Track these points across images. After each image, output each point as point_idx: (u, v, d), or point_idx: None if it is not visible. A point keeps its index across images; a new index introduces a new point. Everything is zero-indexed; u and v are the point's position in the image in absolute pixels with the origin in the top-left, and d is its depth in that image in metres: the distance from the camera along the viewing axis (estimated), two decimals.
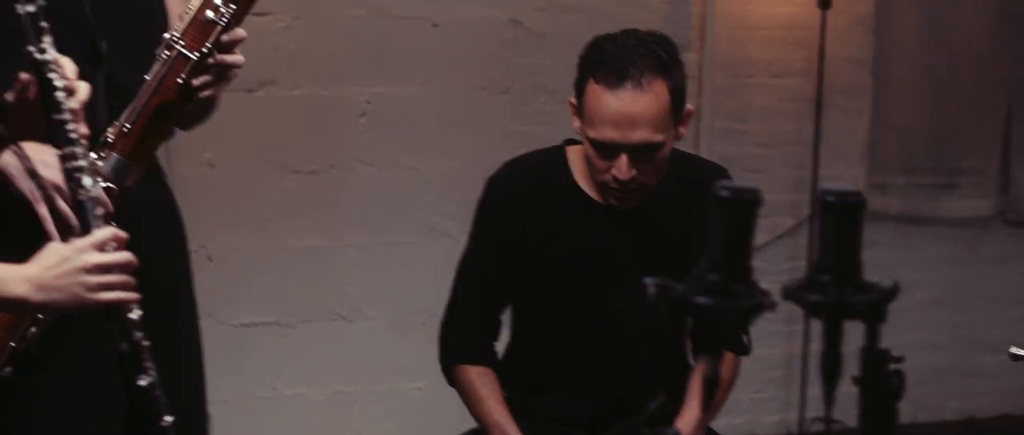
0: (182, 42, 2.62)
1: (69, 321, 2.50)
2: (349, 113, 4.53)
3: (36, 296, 2.18)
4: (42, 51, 2.27)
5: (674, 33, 3.15)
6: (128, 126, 2.57)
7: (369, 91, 4.55)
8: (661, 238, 3.04)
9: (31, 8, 2.26)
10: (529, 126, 4.64)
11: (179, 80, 2.61)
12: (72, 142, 2.29)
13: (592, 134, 2.91)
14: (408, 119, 4.58)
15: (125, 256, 2.25)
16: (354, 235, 4.57)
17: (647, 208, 3.02)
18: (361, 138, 4.55)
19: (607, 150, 2.92)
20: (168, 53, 2.62)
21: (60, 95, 2.28)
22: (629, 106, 2.88)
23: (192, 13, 2.61)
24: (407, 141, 4.59)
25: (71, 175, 2.29)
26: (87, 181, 2.29)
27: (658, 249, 3.03)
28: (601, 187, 2.98)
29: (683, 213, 3.02)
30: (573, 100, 2.98)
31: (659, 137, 2.91)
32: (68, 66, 2.32)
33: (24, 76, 2.33)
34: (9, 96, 2.36)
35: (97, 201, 2.29)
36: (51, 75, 2.27)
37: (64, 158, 2.29)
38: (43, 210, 2.43)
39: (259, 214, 4.45)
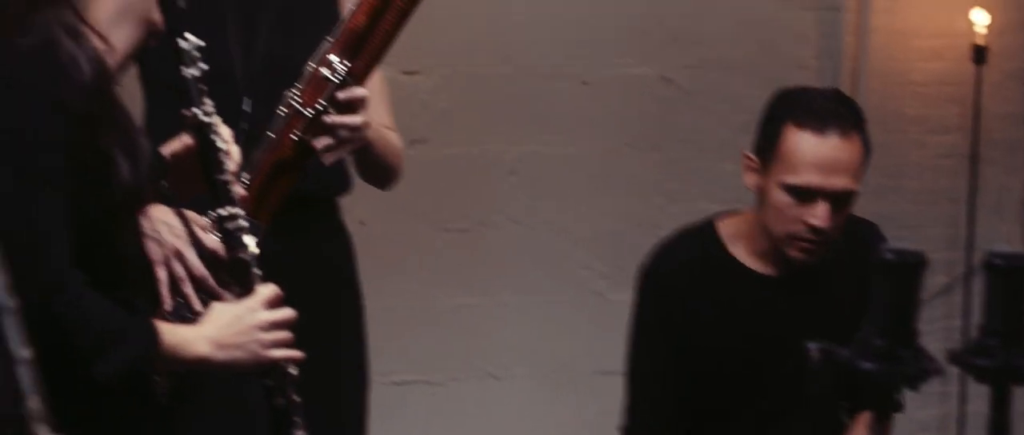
0: (299, 99, 2.65)
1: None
2: (499, 171, 4.54)
3: (218, 355, 2.20)
4: (207, 114, 2.33)
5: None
6: (247, 182, 2.59)
7: (519, 149, 4.55)
8: (825, 304, 2.99)
9: (195, 71, 2.31)
10: (680, 184, 4.62)
11: (293, 137, 2.64)
12: (233, 202, 2.34)
13: (791, 179, 2.86)
14: (558, 177, 4.58)
15: (289, 312, 2.29)
16: (504, 293, 4.57)
17: (807, 273, 2.97)
18: (511, 196, 4.55)
19: (806, 196, 2.87)
20: (285, 110, 2.66)
21: (223, 156, 2.33)
22: (835, 151, 2.85)
23: (310, 70, 2.64)
24: (557, 199, 4.58)
25: (232, 235, 2.34)
26: (248, 240, 2.33)
27: (823, 315, 2.98)
28: (786, 238, 2.91)
29: (844, 275, 2.97)
30: (750, 154, 2.94)
31: (856, 187, 2.88)
32: (224, 130, 2.36)
33: (185, 137, 2.38)
34: (169, 154, 2.41)
35: (256, 260, 2.33)
36: (214, 137, 2.32)
37: (225, 218, 2.34)
38: (162, 274, 2.46)
39: (409, 271, 4.47)
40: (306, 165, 2.67)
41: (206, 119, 2.32)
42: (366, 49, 2.65)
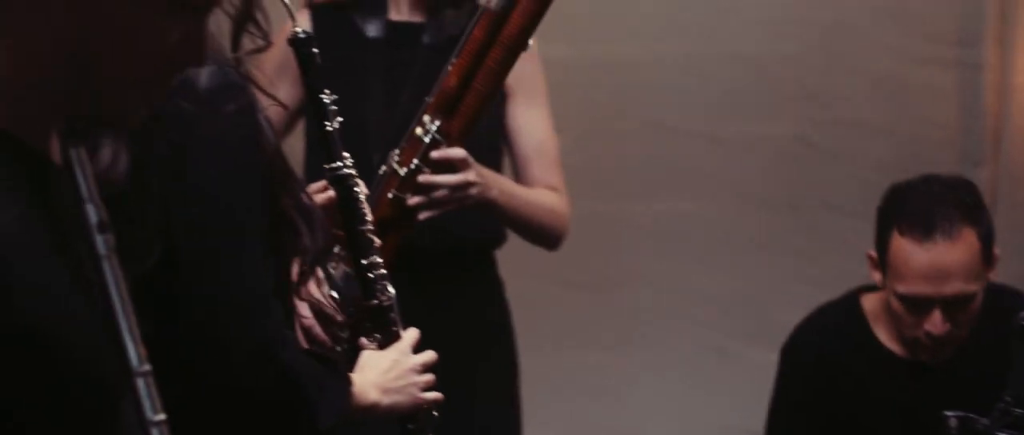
0: (397, 158, 2.69)
1: None
2: (632, 229, 4.52)
3: (385, 401, 2.27)
4: (348, 167, 2.38)
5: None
6: None
7: (652, 207, 4.54)
8: (968, 380, 2.92)
9: (335, 125, 2.34)
10: (814, 244, 4.56)
11: (389, 195, 2.66)
12: (374, 252, 2.39)
13: (901, 289, 2.82)
14: (690, 235, 4.55)
15: (432, 355, 2.36)
16: (637, 353, 4.55)
17: (954, 354, 2.91)
18: (643, 254, 4.53)
19: (918, 305, 2.82)
20: (385, 169, 2.70)
21: (364, 208, 2.39)
22: (941, 258, 2.79)
23: (409, 130, 2.68)
24: (689, 257, 4.55)
25: (374, 284, 2.39)
26: (390, 289, 2.39)
27: (965, 392, 2.91)
28: (910, 343, 2.87)
29: (988, 349, 2.90)
30: (872, 253, 2.90)
31: (972, 287, 2.81)
32: (361, 182, 2.43)
33: (323, 187, 2.42)
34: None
35: (394, 306, 2.39)
36: (356, 188, 2.38)
37: (367, 268, 2.39)
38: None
39: (543, 330, 4.45)
40: (409, 223, 2.70)
41: (348, 171, 2.37)
42: (460, 109, 2.70)
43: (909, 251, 2.77)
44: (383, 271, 2.39)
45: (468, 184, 2.74)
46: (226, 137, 1.97)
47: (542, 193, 3.07)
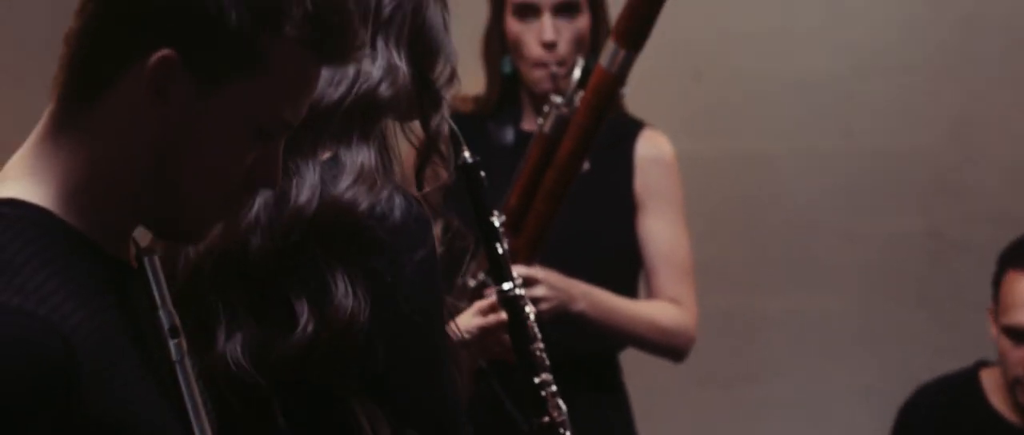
0: (469, 272, 2.77)
1: None
2: (764, 324, 4.52)
3: None
4: (519, 287, 2.41)
5: None
6: None
7: (784, 302, 4.53)
8: None
9: (505, 247, 2.39)
10: (950, 340, 4.52)
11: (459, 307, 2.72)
12: (546, 370, 2.42)
13: (1006, 320, 2.86)
14: (826, 331, 4.53)
15: None
16: None
17: None
18: (776, 349, 4.52)
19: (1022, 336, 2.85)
20: (459, 281, 2.79)
21: (534, 328, 2.42)
22: None
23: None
24: (825, 353, 4.53)
25: (546, 401, 2.41)
26: (562, 405, 2.42)
27: None
28: (1014, 384, 2.88)
29: None
30: (992, 305, 2.93)
31: None
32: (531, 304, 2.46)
33: (489, 308, 2.47)
34: (478, 327, 2.50)
35: (566, 423, 2.42)
36: (526, 309, 2.41)
37: (540, 385, 2.41)
38: None
39: (676, 425, 4.45)
40: None
41: (519, 292, 2.40)
42: (524, 228, 2.75)
43: (1014, 283, 2.83)
44: (554, 388, 2.41)
45: (535, 300, 2.77)
46: (420, 280, 1.94)
47: (654, 307, 3.07)
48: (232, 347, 1.85)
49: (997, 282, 2.88)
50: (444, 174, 2.07)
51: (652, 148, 3.15)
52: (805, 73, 4.48)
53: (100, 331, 1.48)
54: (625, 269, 3.14)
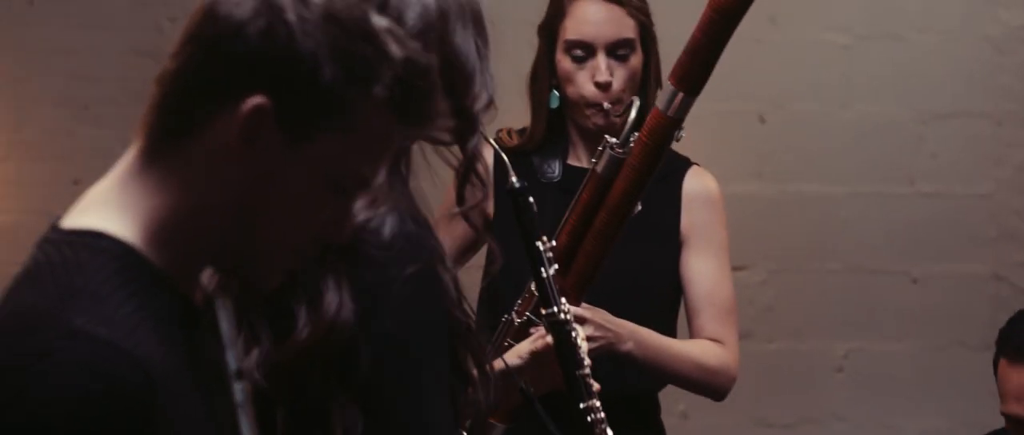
0: (516, 308, 2.80)
1: None
2: (825, 367, 4.51)
3: None
4: (565, 313, 2.43)
5: None
6: None
7: (846, 345, 4.52)
8: None
9: (552, 271, 2.39)
10: None
11: (506, 343, 2.75)
12: (593, 396, 2.45)
13: (1003, 408, 2.88)
14: (886, 375, 4.52)
15: None
16: None
17: None
18: (837, 393, 4.51)
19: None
20: (506, 317, 2.80)
21: (582, 353, 2.44)
22: None
23: (528, 283, 2.76)
24: (886, 398, 4.52)
25: (593, 428, 2.45)
26: (609, 432, 2.46)
27: None
28: None
29: None
30: None
31: None
32: (579, 327, 2.45)
33: (542, 334, 2.49)
34: (529, 352, 2.52)
35: None
36: (573, 333, 2.42)
37: (586, 411, 2.44)
38: None
39: None
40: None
41: (564, 317, 2.42)
42: (573, 268, 2.76)
43: (1009, 372, 2.85)
44: (602, 414, 2.43)
45: (588, 338, 2.77)
46: (409, 296, 1.94)
47: (698, 346, 3.07)
48: (249, 363, 1.88)
49: (995, 364, 2.95)
50: (479, 195, 2.09)
51: (699, 186, 3.16)
52: (868, 118, 4.49)
53: (174, 368, 1.51)
54: (668, 306, 3.16)
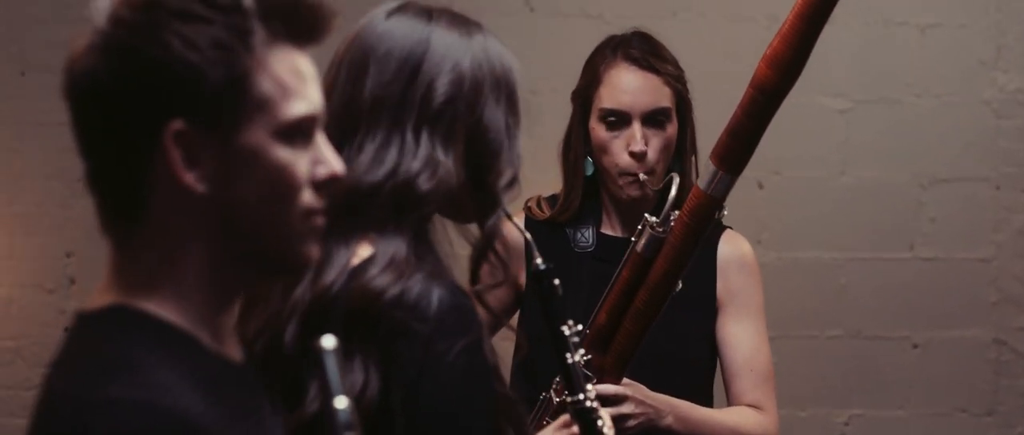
0: (556, 386, 2.78)
1: None
2: (829, 434, 4.48)
3: None
4: (591, 400, 2.37)
5: None
6: None
7: (847, 413, 4.49)
8: None
9: (578, 358, 2.36)
10: None
11: (545, 422, 2.72)
12: None
13: None
14: None
15: None
16: None
17: None
18: None
19: None
20: (544, 395, 2.80)
21: None
22: None
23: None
24: None
25: None
26: None
27: None
28: None
29: None
30: None
31: None
32: (606, 414, 2.41)
33: (566, 421, 2.46)
34: None
35: None
36: (599, 422, 2.37)
37: None
38: None
39: None
40: None
41: (591, 404, 2.37)
42: (612, 347, 2.73)
43: None
44: None
45: (623, 417, 2.78)
46: (459, 370, 1.92)
47: (737, 414, 3.04)
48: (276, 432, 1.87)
49: None
50: (501, 275, 2.05)
51: (734, 251, 3.13)
52: (867, 183, 4.47)
53: (215, 421, 1.51)
54: (705, 372, 3.13)
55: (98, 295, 1.58)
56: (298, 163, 1.57)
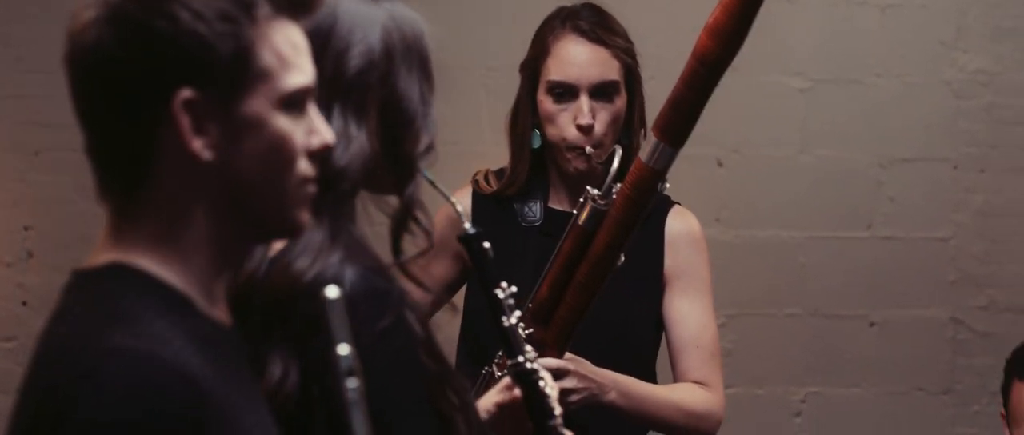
0: (497, 361, 2.78)
1: None
2: (784, 412, 4.49)
3: None
4: (531, 360, 2.37)
5: None
6: None
7: (804, 390, 4.51)
8: None
9: (513, 320, 2.35)
10: (973, 429, 4.49)
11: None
12: None
13: (1019, 433, 2.83)
14: (845, 420, 4.51)
15: None
16: None
17: None
18: None
19: None
20: (486, 370, 2.79)
21: (551, 402, 2.37)
22: None
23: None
24: None
25: None
26: None
27: None
28: None
29: None
30: (1003, 411, 2.90)
31: None
32: (547, 375, 2.40)
33: (509, 386, 2.44)
34: (495, 404, 2.47)
35: None
36: (541, 383, 2.36)
37: None
38: None
39: None
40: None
41: (532, 366, 2.36)
42: (555, 319, 2.72)
43: (1021, 393, 2.80)
44: None
45: (566, 391, 2.75)
46: (377, 360, 1.86)
47: (682, 391, 3.02)
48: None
49: (1006, 390, 2.86)
50: (425, 244, 2.04)
51: (683, 226, 3.11)
52: (827, 163, 4.48)
53: (211, 376, 1.55)
54: (650, 348, 3.12)
55: (95, 255, 1.62)
56: (296, 132, 1.63)
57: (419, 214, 2.03)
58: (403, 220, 2.02)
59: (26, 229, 4.35)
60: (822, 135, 4.49)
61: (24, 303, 4.34)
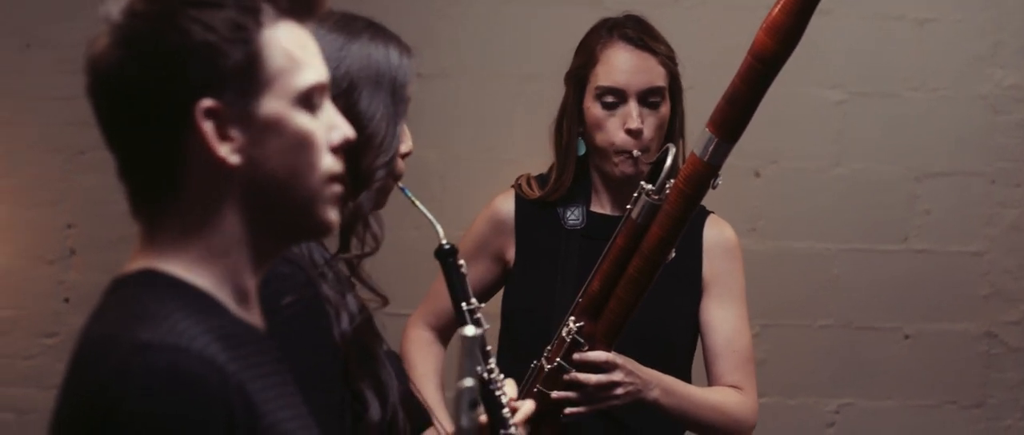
0: (546, 354, 2.81)
1: None
2: (817, 423, 4.50)
3: None
4: (489, 372, 2.44)
5: None
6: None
7: (837, 401, 4.51)
8: None
9: (478, 332, 2.40)
10: None
11: (535, 389, 2.74)
12: None
13: None
14: (877, 432, 4.51)
15: None
16: None
17: None
18: None
19: None
20: (535, 363, 2.83)
21: (506, 412, 2.44)
22: None
23: (559, 331, 2.79)
24: None
25: None
26: None
27: None
28: None
29: None
30: None
31: None
32: (510, 386, 2.45)
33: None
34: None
35: None
36: (498, 394, 2.43)
37: None
38: None
39: None
40: (556, 417, 2.79)
41: (488, 376, 2.42)
42: (604, 314, 2.76)
43: None
44: None
45: (613, 384, 2.81)
46: (281, 328, 1.96)
47: (719, 393, 3.09)
48: None
49: None
50: (370, 249, 2.19)
51: (719, 235, 3.19)
52: (862, 175, 4.49)
53: (239, 373, 1.60)
54: (687, 351, 3.18)
55: (129, 264, 1.68)
56: (317, 128, 1.68)
57: (370, 220, 2.21)
58: (352, 223, 2.18)
59: (69, 227, 4.40)
60: (858, 148, 4.50)
61: (66, 300, 4.38)
